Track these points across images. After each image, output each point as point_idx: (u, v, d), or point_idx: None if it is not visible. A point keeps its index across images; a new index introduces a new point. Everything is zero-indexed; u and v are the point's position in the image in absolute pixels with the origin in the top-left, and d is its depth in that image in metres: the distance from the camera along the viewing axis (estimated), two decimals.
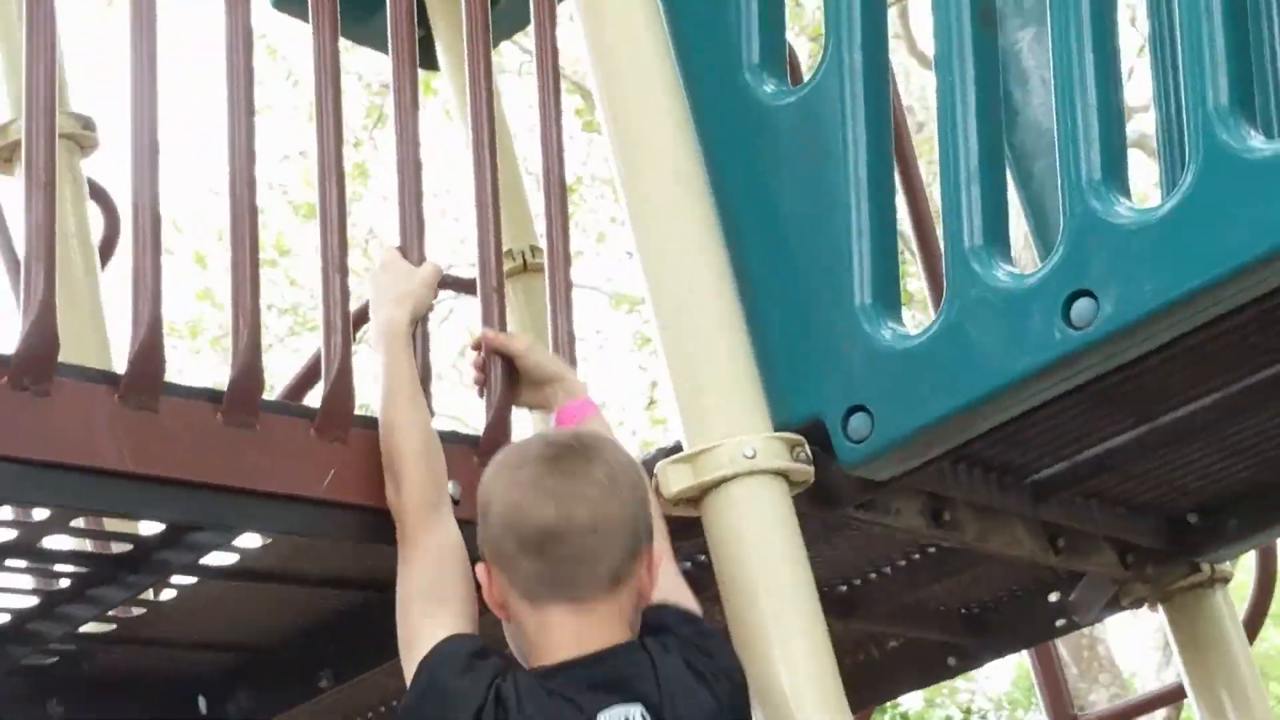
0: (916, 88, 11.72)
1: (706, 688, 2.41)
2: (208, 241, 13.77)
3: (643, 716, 2.33)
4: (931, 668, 4.02)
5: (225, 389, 2.51)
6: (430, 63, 4.56)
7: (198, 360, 15.82)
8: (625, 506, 2.45)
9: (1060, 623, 3.96)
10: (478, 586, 2.51)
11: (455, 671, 2.39)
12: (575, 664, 2.37)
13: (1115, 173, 2.69)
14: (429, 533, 2.56)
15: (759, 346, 2.95)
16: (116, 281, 4.54)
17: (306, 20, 2.79)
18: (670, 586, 2.59)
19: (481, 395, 2.87)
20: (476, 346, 2.88)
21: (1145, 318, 2.62)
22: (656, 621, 2.49)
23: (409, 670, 2.44)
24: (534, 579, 2.41)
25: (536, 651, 2.41)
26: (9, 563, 2.67)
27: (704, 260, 2.96)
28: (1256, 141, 2.54)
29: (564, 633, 2.39)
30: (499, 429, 2.83)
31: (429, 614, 2.49)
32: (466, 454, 2.71)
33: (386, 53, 2.90)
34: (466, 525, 2.58)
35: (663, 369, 2.99)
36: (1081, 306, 2.65)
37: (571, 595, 2.40)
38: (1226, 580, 3.93)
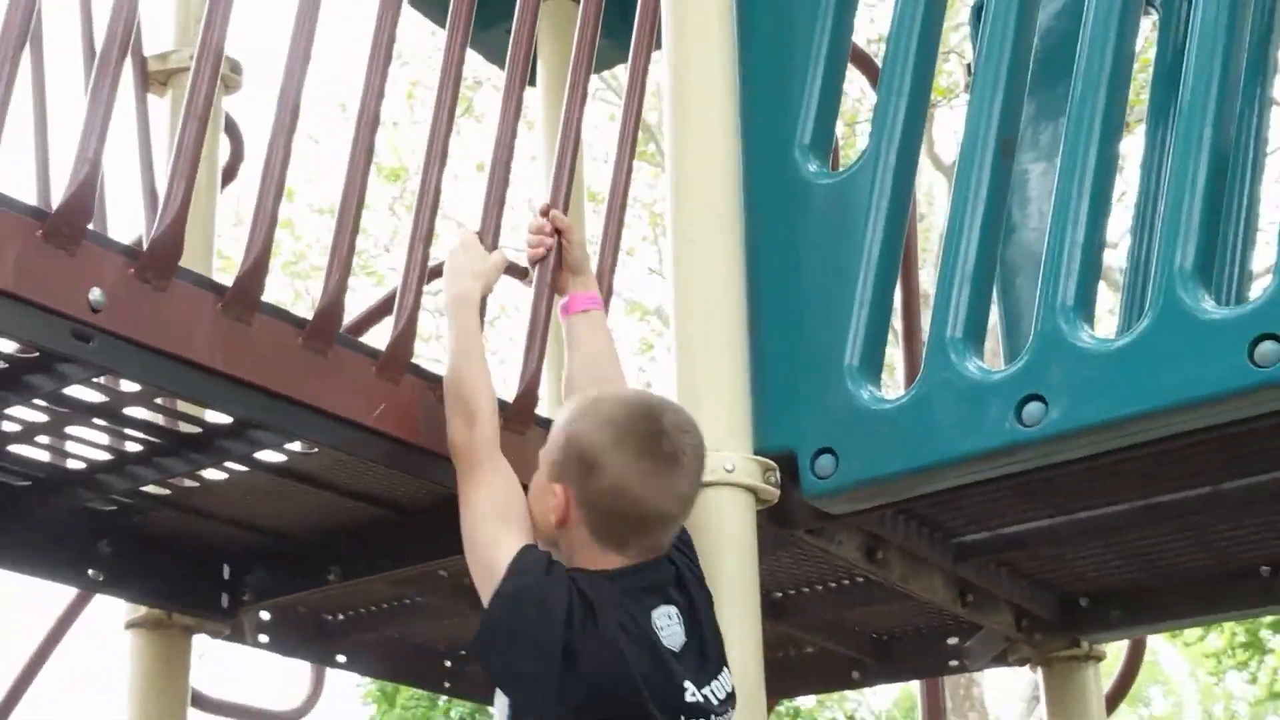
0: (925, 184, 11.76)
1: (695, 575, 2.55)
2: (296, 179, 13.76)
3: (676, 615, 2.41)
4: (836, 677, 4.03)
5: (310, 318, 2.50)
6: (530, 79, 4.57)
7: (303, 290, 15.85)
8: (695, 496, 2.54)
9: (953, 663, 3.97)
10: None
11: (543, 569, 2.40)
12: (629, 571, 2.43)
13: (1085, 302, 2.70)
14: (497, 465, 2.56)
15: (756, 379, 2.95)
16: (229, 201, 4.54)
17: (437, 21, 2.79)
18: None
19: (533, 266, 2.89)
20: (544, 213, 2.89)
21: (1084, 429, 2.63)
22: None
23: (489, 577, 2.43)
24: (619, 538, 2.46)
25: (579, 558, 2.46)
26: (95, 420, 2.67)
27: (726, 298, 2.95)
28: (1208, 305, 2.55)
29: (615, 559, 2.45)
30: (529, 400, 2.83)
31: (504, 528, 2.49)
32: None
33: (495, 62, 2.91)
34: None
35: (671, 380, 2.96)
36: (1033, 408, 2.65)
37: (636, 552, 2.46)
38: (1100, 659, 3.93)
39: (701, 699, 2.35)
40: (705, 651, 2.43)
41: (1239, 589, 3.58)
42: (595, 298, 2.88)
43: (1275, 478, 3.07)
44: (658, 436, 2.46)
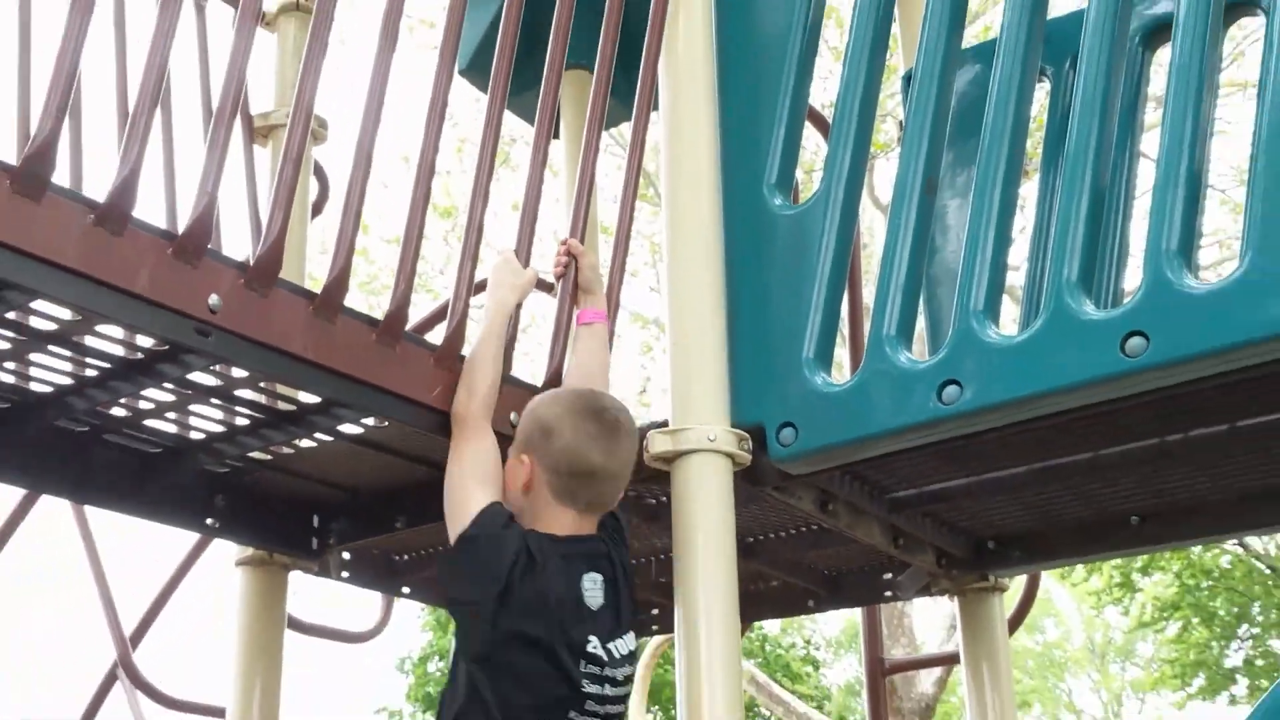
0: (867, 220, 11.74)
1: (621, 557, 2.57)
2: (369, 215, 13.73)
3: (600, 584, 2.44)
4: (795, 605, 4.04)
5: (382, 319, 2.51)
6: (555, 133, 4.58)
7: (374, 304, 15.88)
8: (632, 466, 2.57)
9: (888, 594, 3.96)
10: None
11: (503, 524, 2.43)
12: (572, 539, 2.47)
13: (992, 307, 2.71)
14: (483, 434, 2.57)
15: (733, 369, 2.95)
16: (317, 231, 4.55)
17: (481, 88, 2.80)
18: None
19: (557, 281, 2.91)
20: (564, 243, 2.91)
21: (991, 407, 2.64)
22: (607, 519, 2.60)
23: (460, 520, 2.46)
24: (573, 493, 2.50)
25: (539, 524, 2.48)
26: (212, 400, 2.68)
27: (710, 306, 2.97)
28: (1089, 308, 2.55)
29: (567, 521, 2.48)
30: (555, 383, 2.83)
31: (479, 486, 2.50)
32: (526, 395, 2.69)
33: (527, 120, 2.92)
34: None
35: (667, 370, 2.98)
36: (950, 390, 2.66)
37: (587, 509, 2.51)
38: (1003, 590, 3.92)
39: (602, 652, 2.38)
40: (619, 617, 2.45)
41: (1113, 535, 3.58)
42: (601, 313, 2.89)
43: (1143, 446, 3.08)
44: (600, 410, 2.54)
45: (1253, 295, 2.36)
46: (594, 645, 2.37)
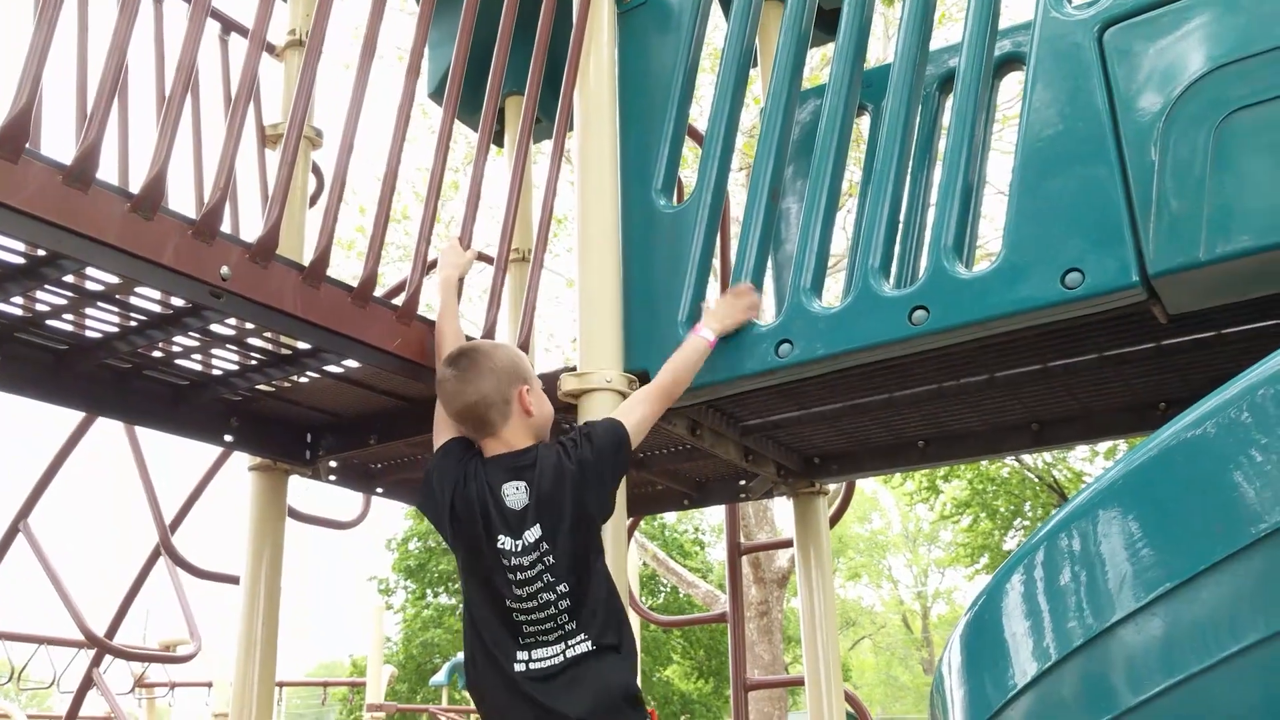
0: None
1: (565, 457, 2.34)
2: (369, 202, 13.47)
3: (524, 488, 2.30)
4: (675, 503, 4.04)
5: (355, 286, 2.50)
6: (499, 141, 4.55)
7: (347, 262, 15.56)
8: (493, 378, 2.41)
9: (742, 496, 3.97)
10: None
11: (456, 455, 2.43)
12: (497, 458, 2.38)
13: (817, 286, 2.74)
14: None
15: (627, 327, 2.94)
16: (314, 216, 4.49)
17: (437, 102, 2.77)
18: (620, 407, 2.58)
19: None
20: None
21: (814, 359, 2.66)
22: (565, 432, 2.50)
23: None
24: (467, 431, 2.46)
25: (521, 441, 2.41)
26: (227, 346, 2.66)
27: (611, 279, 2.96)
28: (887, 288, 2.60)
29: (492, 446, 2.41)
30: (490, 337, 2.81)
31: (442, 428, 2.50)
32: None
33: (476, 130, 2.90)
34: None
35: (578, 328, 2.97)
36: (785, 347, 2.69)
37: (485, 433, 2.41)
38: (826, 494, 3.98)
39: (509, 544, 2.27)
40: (537, 515, 2.28)
41: (906, 454, 3.63)
42: (697, 328, 2.73)
43: (926, 389, 3.13)
44: (450, 360, 2.47)
45: (1005, 281, 2.42)
46: (501, 540, 2.27)
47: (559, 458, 2.35)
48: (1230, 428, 1.51)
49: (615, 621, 2.29)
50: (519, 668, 2.23)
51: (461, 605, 2.40)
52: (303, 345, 2.63)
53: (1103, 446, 15.24)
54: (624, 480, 2.57)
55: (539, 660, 2.23)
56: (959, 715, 1.77)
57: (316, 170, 4.09)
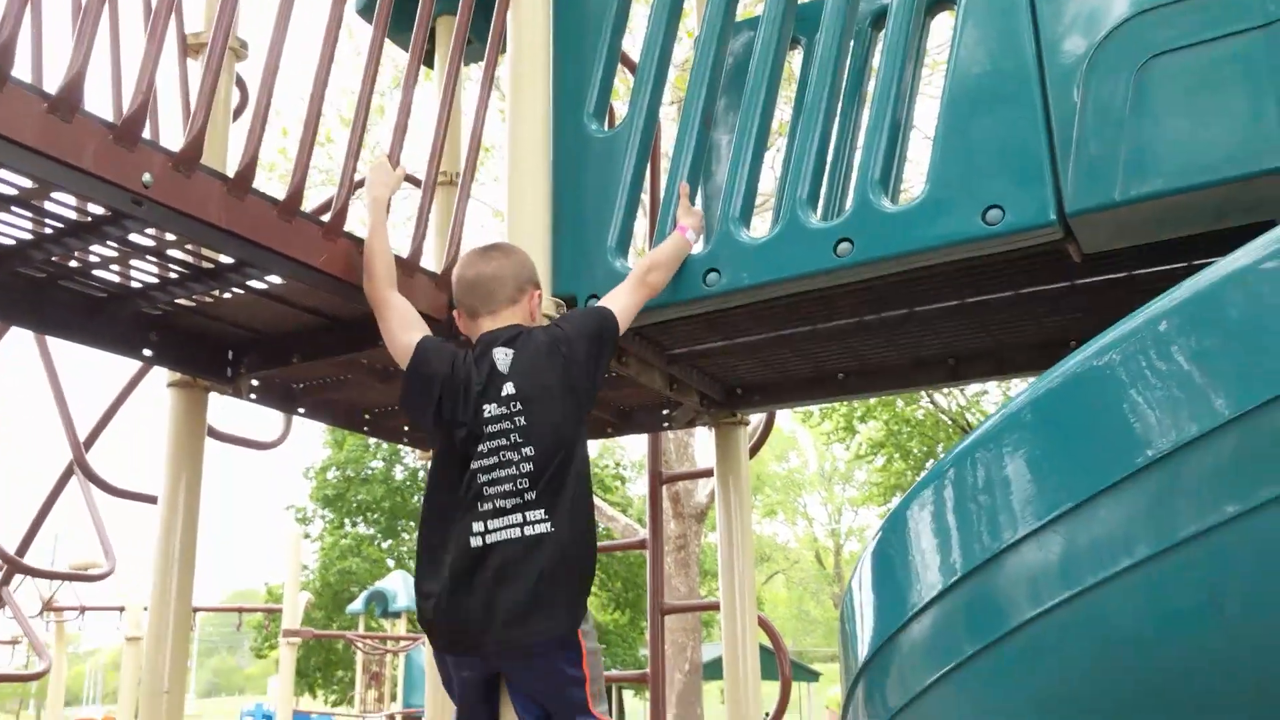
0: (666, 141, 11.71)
1: (555, 334, 2.47)
2: (291, 123, 13.14)
3: (511, 354, 2.42)
4: (599, 431, 3.98)
5: (282, 200, 2.47)
6: (430, 62, 4.46)
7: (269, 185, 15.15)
8: (518, 266, 2.60)
9: (665, 425, 4.02)
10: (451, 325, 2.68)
11: (438, 342, 2.52)
12: (489, 333, 2.50)
13: (745, 215, 2.76)
14: (391, 302, 2.57)
15: (556, 252, 2.94)
16: (238, 130, 4.38)
17: (368, 20, 2.72)
18: (605, 297, 2.69)
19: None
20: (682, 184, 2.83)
21: (740, 289, 2.70)
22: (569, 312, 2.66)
23: (404, 361, 2.50)
24: (459, 304, 2.59)
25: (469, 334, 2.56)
26: (147, 257, 2.61)
27: (541, 205, 2.94)
28: (814, 219, 2.63)
29: (486, 324, 2.53)
30: (416, 257, 2.80)
31: (408, 332, 2.53)
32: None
33: (406, 50, 2.86)
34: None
35: None
36: (712, 276, 2.72)
37: (486, 308, 2.54)
38: (746, 424, 4.04)
39: (487, 407, 2.36)
40: (517, 377, 2.39)
41: (826, 385, 3.69)
42: (684, 228, 2.77)
43: (848, 322, 3.18)
44: (477, 250, 2.65)
45: (928, 215, 2.47)
46: (482, 403, 2.35)
47: (548, 334, 2.47)
48: (1130, 358, 1.58)
49: (581, 511, 2.31)
50: (475, 542, 2.25)
51: (414, 526, 2.48)
52: (225, 259, 2.58)
53: (1015, 390, 15.64)
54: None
55: (495, 531, 2.25)
56: (867, 628, 1.85)
57: (241, 84, 3.98)
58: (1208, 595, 1.43)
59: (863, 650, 1.83)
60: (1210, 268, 1.50)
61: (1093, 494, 1.52)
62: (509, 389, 2.37)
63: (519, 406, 2.34)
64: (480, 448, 2.31)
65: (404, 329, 2.54)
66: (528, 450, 2.30)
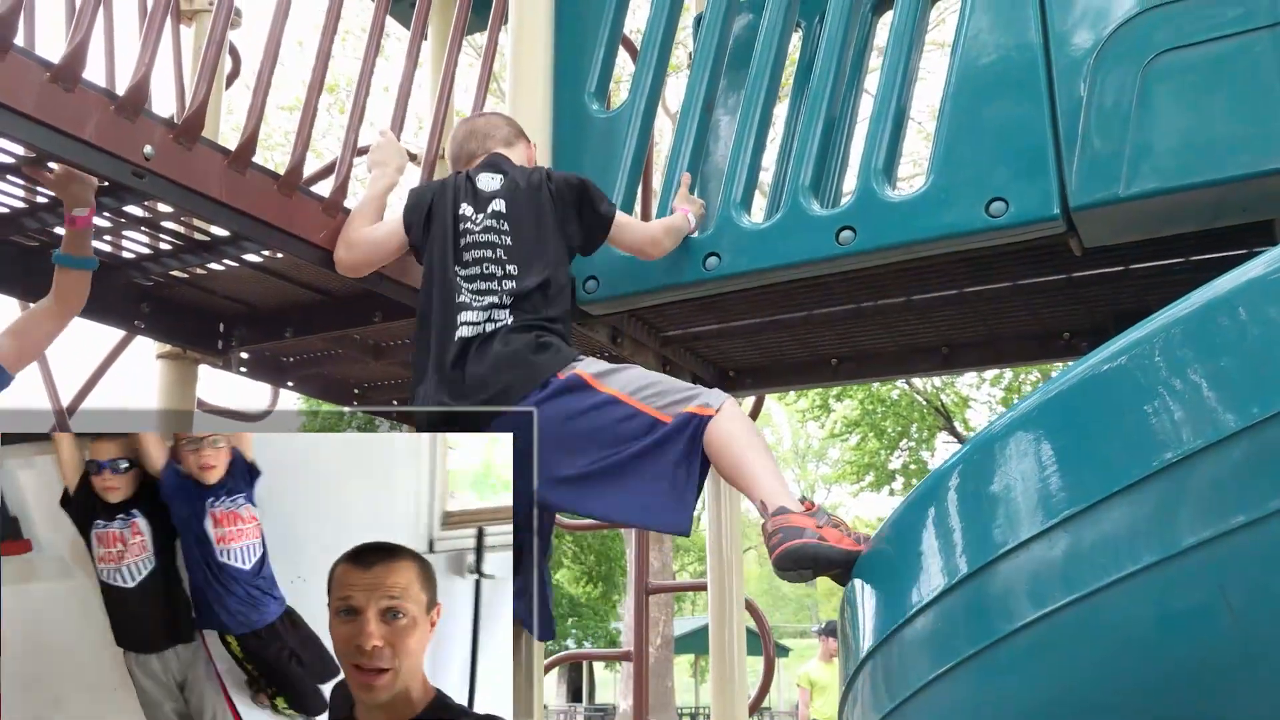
0: (661, 124, 11.62)
1: (538, 174, 2.47)
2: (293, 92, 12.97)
3: (500, 178, 2.44)
4: None
5: (282, 174, 2.43)
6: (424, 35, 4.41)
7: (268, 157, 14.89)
8: (512, 125, 2.64)
9: None
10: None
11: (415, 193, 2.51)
12: (482, 162, 2.53)
13: (747, 200, 2.75)
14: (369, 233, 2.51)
15: None
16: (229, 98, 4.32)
17: None
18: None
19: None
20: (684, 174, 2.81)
21: (738, 274, 2.69)
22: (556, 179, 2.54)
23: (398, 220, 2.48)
24: (468, 152, 2.60)
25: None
26: (143, 229, 2.58)
27: None
28: (816, 207, 2.62)
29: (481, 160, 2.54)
30: None
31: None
32: None
33: (403, 24, 2.83)
34: None
35: None
36: (711, 260, 2.70)
37: (482, 149, 2.58)
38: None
39: (471, 215, 2.38)
40: (505, 196, 2.40)
41: (819, 371, 3.69)
42: (684, 210, 2.74)
43: (844, 309, 3.18)
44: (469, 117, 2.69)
45: (932, 206, 2.46)
46: (463, 208, 2.38)
47: (537, 173, 2.47)
48: (1144, 363, 1.57)
49: (560, 318, 2.35)
50: (462, 331, 2.26)
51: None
52: (222, 232, 2.56)
53: (990, 373, 15.72)
54: None
55: (471, 323, 2.27)
56: (869, 621, 1.85)
57: (233, 51, 3.93)
58: (1214, 601, 1.44)
59: (866, 641, 1.83)
60: (1224, 276, 1.49)
61: (1103, 497, 1.52)
62: (497, 205, 2.39)
63: (506, 227, 2.37)
64: (464, 255, 2.34)
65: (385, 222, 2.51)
66: (512, 269, 2.32)
